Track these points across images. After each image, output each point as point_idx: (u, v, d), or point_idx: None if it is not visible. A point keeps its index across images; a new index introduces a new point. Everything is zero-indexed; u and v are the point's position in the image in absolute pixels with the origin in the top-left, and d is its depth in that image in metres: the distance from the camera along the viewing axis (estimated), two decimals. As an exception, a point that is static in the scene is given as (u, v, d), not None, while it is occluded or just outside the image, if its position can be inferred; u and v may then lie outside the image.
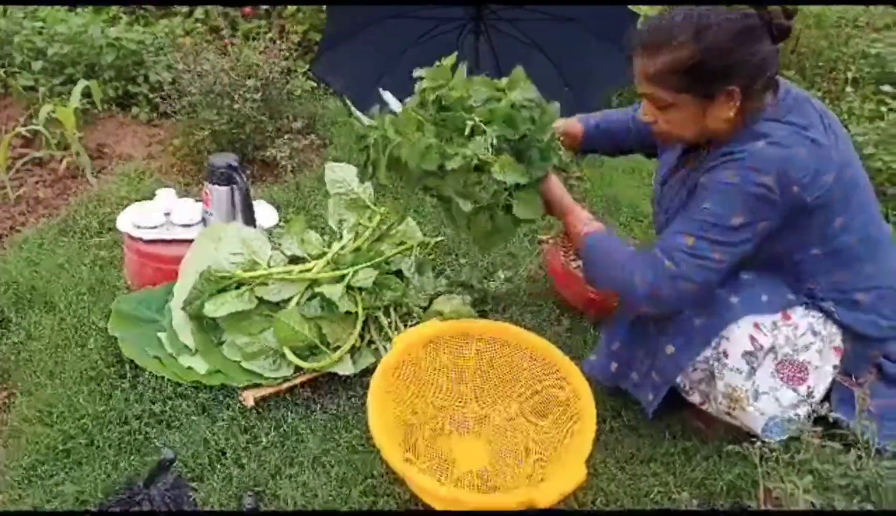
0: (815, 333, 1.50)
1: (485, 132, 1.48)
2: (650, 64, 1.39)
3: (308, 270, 1.96)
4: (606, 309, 1.93)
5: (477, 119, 1.49)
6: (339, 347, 1.83)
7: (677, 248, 1.43)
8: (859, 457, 1.15)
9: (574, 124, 1.89)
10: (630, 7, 2.53)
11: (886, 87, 3.05)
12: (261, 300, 1.88)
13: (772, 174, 1.36)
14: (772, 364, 1.50)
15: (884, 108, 2.97)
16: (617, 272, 1.49)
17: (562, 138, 1.80)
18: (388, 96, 1.69)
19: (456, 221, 1.57)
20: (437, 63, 1.60)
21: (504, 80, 1.59)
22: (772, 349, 1.48)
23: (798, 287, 1.51)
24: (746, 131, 1.42)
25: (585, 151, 1.97)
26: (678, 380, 1.57)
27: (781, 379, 1.50)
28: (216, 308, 1.84)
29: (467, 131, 1.49)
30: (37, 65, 3.20)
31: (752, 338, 1.47)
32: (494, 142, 1.47)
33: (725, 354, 1.49)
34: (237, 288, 1.89)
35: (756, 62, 1.36)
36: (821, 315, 1.52)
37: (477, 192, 1.48)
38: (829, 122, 1.46)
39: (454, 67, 1.59)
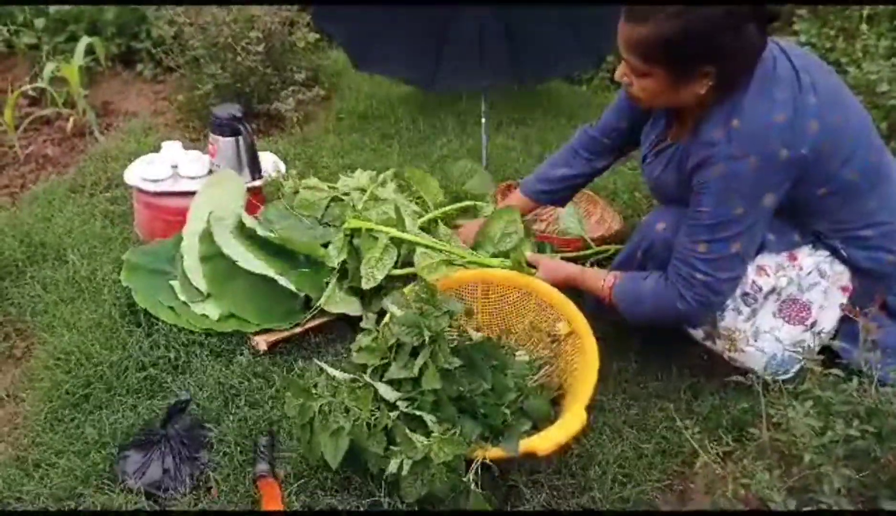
0: (821, 273, 1.51)
1: None
2: (633, 31, 1.38)
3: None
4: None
5: None
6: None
7: (693, 261, 1.45)
8: (861, 384, 1.16)
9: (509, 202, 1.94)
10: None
11: (901, 23, 2.97)
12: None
13: (753, 153, 1.36)
14: (774, 305, 1.50)
15: (899, 45, 2.89)
16: (653, 311, 1.54)
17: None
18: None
19: None
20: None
21: None
22: (773, 291, 1.49)
23: (805, 227, 1.50)
24: (718, 109, 1.40)
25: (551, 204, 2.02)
26: None
27: (783, 318, 1.51)
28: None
29: None
30: (39, 22, 3.18)
31: (753, 281, 1.48)
32: None
33: None
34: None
35: (736, 48, 1.34)
36: (828, 254, 1.51)
37: None
38: (805, 65, 1.42)
39: None
